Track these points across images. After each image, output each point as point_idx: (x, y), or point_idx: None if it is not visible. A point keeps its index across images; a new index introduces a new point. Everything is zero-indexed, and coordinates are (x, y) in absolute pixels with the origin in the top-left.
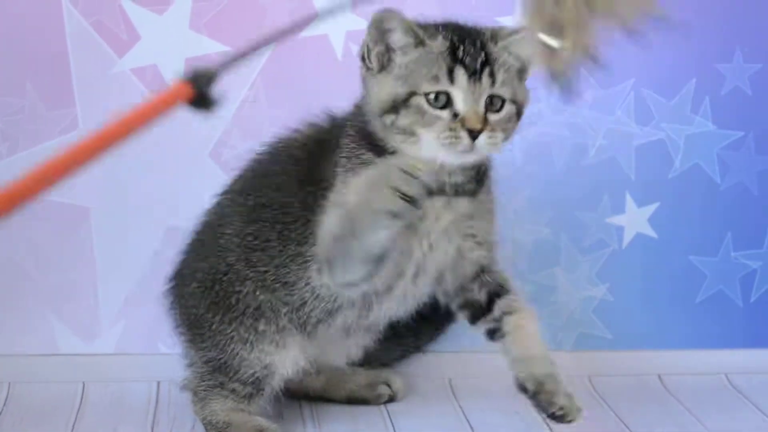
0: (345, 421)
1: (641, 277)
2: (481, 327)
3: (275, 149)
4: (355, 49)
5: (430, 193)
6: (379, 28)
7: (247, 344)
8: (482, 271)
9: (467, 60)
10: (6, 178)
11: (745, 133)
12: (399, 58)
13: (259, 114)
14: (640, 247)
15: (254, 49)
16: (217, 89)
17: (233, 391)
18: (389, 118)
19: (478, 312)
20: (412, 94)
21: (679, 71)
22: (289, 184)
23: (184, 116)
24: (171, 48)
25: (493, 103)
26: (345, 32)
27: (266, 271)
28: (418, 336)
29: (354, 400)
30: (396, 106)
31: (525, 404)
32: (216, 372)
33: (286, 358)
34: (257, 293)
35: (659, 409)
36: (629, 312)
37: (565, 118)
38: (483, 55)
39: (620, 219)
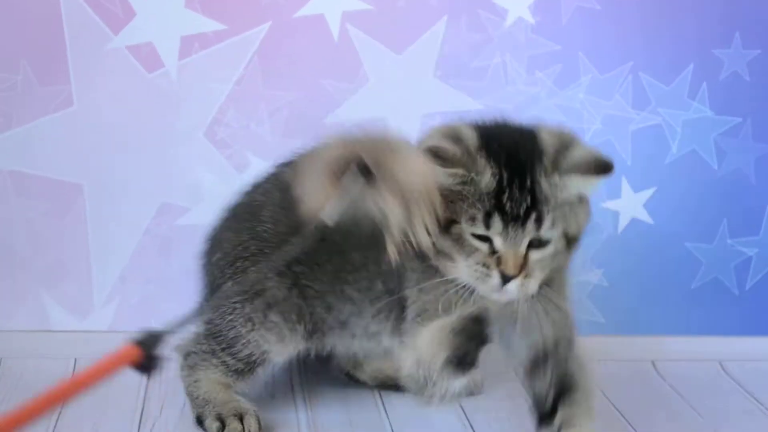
0: (337, 405)
1: (636, 262)
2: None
3: None
4: (352, 30)
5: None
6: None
7: (249, 324)
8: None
9: (508, 207)
10: (0, 154)
11: (743, 119)
12: (445, 183)
13: (254, 93)
14: (636, 233)
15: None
16: (162, 351)
17: (224, 362)
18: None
19: (540, 415)
20: (454, 222)
21: (677, 56)
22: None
23: (179, 95)
24: (167, 25)
25: (540, 241)
26: (341, 12)
27: (302, 278)
28: None
29: (385, 386)
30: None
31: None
32: (211, 337)
33: (284, 351)
34: (285, 289)
35: (652, 395)
36: (623, 297)
37: (561, 101)
38: (529, 199)
39: (616, 204)
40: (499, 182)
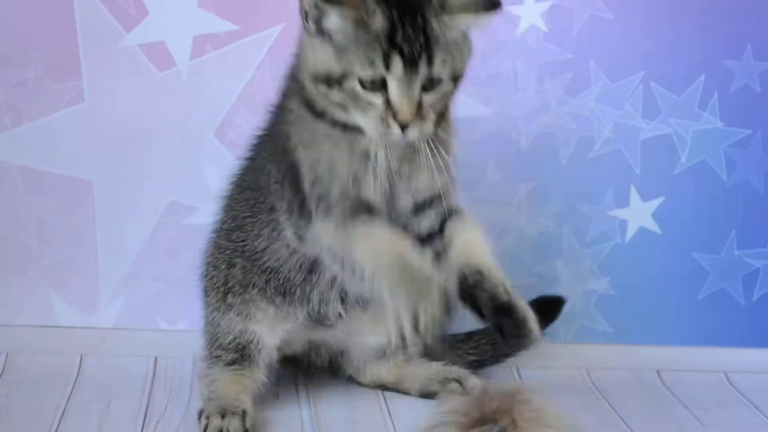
0: (341, 403)
1: (643, 271)
2: (428, 251)
3: (260, 135)
4: None
5: None
6: (313, 6)
7: (216, 312)
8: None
9: (405, 46)
10: (10, 149)
11: (753, 131)
12: (335, 28)
13: (265, 94)
14: (643, 242)
15: None
16: None
17: (218, 357)
18: (322, 89)
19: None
20: (347, 75)
21: (688, 67)
22: (260, 165)
23: (190, 95)
24: (179, 25)
25: (431, 83)
26: None
27: (244, 244)
28: (495, 346)
29: (426, 395)
30: (329, 82)
31: None
32: (209, 336)
33: (263, 329)
34: (231, 266)
35: (656, 405)
36: (630, 306)
37: (571, 109)
38: (423, 37)
39: (624, 213)
40: (391, 21)
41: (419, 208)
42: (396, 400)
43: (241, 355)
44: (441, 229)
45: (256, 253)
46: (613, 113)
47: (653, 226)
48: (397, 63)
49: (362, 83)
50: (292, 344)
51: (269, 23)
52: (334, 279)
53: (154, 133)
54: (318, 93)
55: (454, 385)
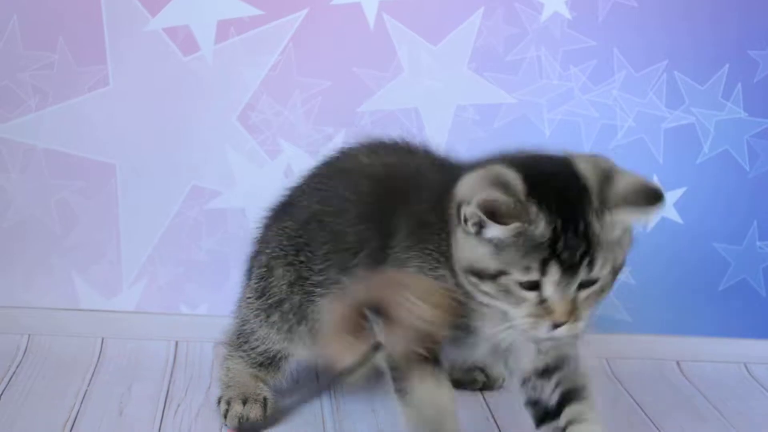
0: (361, 393)
1: (664, 262)
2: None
3: (346, 161)
4: (388, 19)
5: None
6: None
7: (258, 320)
8: (559, 365)
9: (565, 254)
10: (35, 132)
11: None
12: (496, 237)
13: (288, 80)
14: (665, 232)
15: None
16: None
17: (247, 354)
18: (472, 280)
19: (543, 414)
20: (502, 273)
21: (712, 56)
22: (348, 212)
23: (213, 79)
24: (204, 9)
25: (590, 284)
26: (378, 1)
27: (307, 276)
28: None
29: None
30: (482, 276)
31: None
32: (236, 331)
33: (296, 350)
34: (291, 285)
35: (676, 395)
36: (650, 296)
37: (594, 98)
38: (585, 243)
39: None
40: (554, 230)
41: (546, 371)
42: None
43: (270, 362)
44: (559, 409)
45: (318, 288)
46: (636, 102)
47: (675, 216)
48: (554, 270)
49: (518, 283)
50: None
51: (294, 8)
52: None
53: (178, 117)
54: (467, 282)
55: (478, 374)
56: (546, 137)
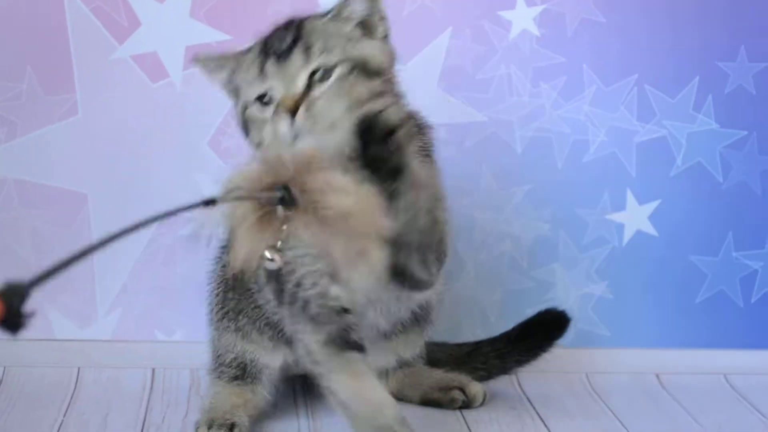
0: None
1: (641, 275)
2: None
3: None
4: None
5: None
6: (206, 75)
7: (218, 331)
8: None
9: (275, 47)
10: (5, 163)
11: (749, 132)
12: (233, 84)
13: None
14: (641, 245)
15: (73, 260)
16: (27, 307)
17: (222, 371)
18: (249, 140)
19: None
20: (245, 107)
21: (682, 69)
22: None
23: (183, 105)
24: (171, 36)
25: (323, 75)
26: None
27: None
28: (504, 359)
29: (428, 402)
30: (245, 127)
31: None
32: (212, 350)
33: (266, 354)
34: (227, 290)
35: (656, 408)
36: (628, 310)
37: (565, 113)
38: (294, 33)
39: (621, 216)
40: (263, 41)
41: None
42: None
43: (243, 372)
44: None
45: (248, 289)
46: (607, 116)
47: (650, 229)
48: (270, 66)
49: (257, 108)
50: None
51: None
52: None
53: (149, 144)
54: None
55: (456, 393)
56: (518, 154)
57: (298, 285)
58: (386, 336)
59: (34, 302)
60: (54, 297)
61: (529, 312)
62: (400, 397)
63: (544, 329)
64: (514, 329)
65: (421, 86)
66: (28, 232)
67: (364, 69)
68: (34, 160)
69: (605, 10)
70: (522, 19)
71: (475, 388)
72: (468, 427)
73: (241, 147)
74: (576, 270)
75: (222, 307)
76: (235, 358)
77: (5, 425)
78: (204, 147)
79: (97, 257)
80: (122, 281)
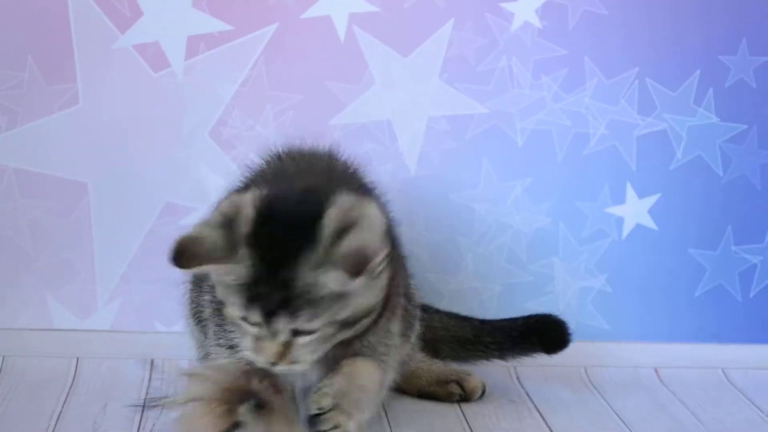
0: None
1: (640, 268)
2: None
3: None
4: (358, 32)
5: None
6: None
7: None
8: None
9: (263, 301)
10: (5, 152)
11: (749, 126)
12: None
13: (260, 94)
14: (640, 239)
15: None
16: None
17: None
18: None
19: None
20: (224, 304)
21: (683, 62)
22: None
23: (185, 95)
24: (173, 25)
25: (303, 331)
26: (348, 14)
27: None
28: (502, 350)
29: (425, 396)
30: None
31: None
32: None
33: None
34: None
35: (654, 402)
36: (627, 303)
37: (566, 106)
38: (283, 294)
39: (620, 209)
40: (256, 274)
41: None
42: (394, 401)
43: None
44: None
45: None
46: (608, 110)
47: (650, 222)
48: (254, 313)
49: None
50: None
51: (264, 23)
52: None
53: (150, 134)
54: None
55: (454, 387)
56: (519, 147)
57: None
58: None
59: (33, 290)
60: (54, 287)
61: (529, 306)
62: (398, 390)
63: (544, 341)
64: (515, 327)
65: (423, 78)
66: (27, 222)
67: (346, 324)
68: (35, 149)
69: (607, 3)
70: (524, 10)
71: (474, 381)
72: (466, 420)
73: (241, 138)
74: (575, 263)
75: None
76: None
77: (4, 414)
78: (205, 137)
79: (97, 247)
80: (122, 271)
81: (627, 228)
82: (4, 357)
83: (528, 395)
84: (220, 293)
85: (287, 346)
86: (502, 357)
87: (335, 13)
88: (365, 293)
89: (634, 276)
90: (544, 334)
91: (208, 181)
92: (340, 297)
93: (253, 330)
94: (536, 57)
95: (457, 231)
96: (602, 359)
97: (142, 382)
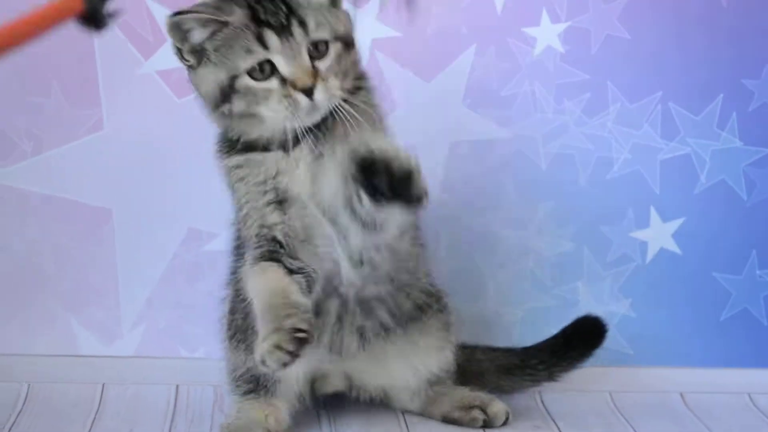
0: (361, 427)
1: (664, 293)
2: None
3: None
4: (381, 57)
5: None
6: (178, 34)
7: (229, 349)
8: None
9: (271, 19)
10: (31, 177)
11: None
12: (209, 46)
13: None
14: (664, 263)
15: None
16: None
17: (238, 386)
18: (225, 108)
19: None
20: (235, 77)
21: (706, 86)
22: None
23: (208, 121)
24: None
25: (318, 49)
26: (370, 39)
27: (237, 290)
28: (550, 369)
29: (448, 421)
30: (225, 95)
31: None
32: (227, 369)
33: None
34: (233, 312)
35: (680, 428)
36: (652, 328)
37: (589, 130)
38: (284, 5)
39: (644, 234)
40: (249, 7)
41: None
42: (418, 425)
43: (256, 385)
44: None
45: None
46: (631, 134)
47: (674, 246)
48: (270, 36)
49: (252, 76)
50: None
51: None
52: (342, 316)
53: (174, 160)
54: (224, 117)
55: (477, 412)
56: (542, 171)
57: (243, 223)
58: (386, 329)
59: (57, 316)
60: (78, 312)
61: (553, 332)
62: (422, 413)
63: (586, 340)
64: (556, 342)
65: (446, 103)
66: (52, 248)
67: (346, 43)
68: (60, 175)
69: (630, 27)
70: (546, 35)
71: (497, 407)
72: None
73: None
74: (599, 288)
75: (229, 327)
76: (246, 371)
77: None
78: None
79: (121, 273)
80: (146, 297)
81: (651, 252)
82: (29, 384)
83: (553, 420)
84: (221, 72)
85: (317, 72)
86: (551, 377)
87: (358, 39)
88: (344, 17)
89: (658, 300)
90: (583, 334)
91: (230, 207)
92: (328, 7)
93: (274, 83)
94: (559, 81)
95: (480, 256)
96: (627, 384)
97: (168, 408)
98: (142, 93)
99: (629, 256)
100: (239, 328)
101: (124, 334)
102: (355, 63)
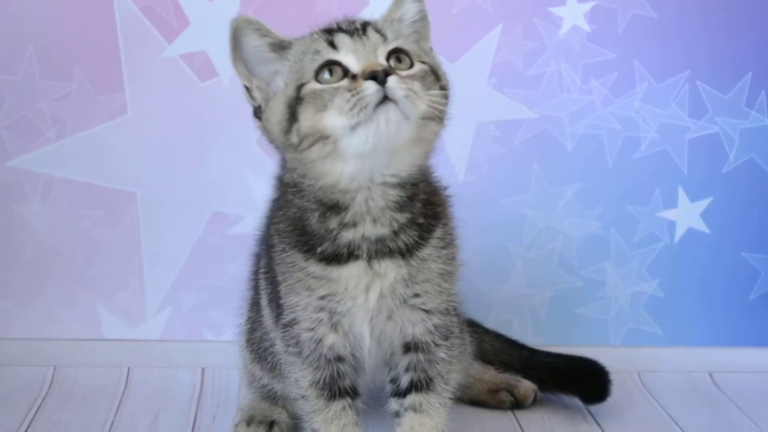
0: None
1: (693, 273)
2: (391, 405)
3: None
4: None
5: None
6: (237, 46)
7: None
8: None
9: (345, 26)
10: (55, 162)
11: None
12: (276, 71)
13: None
14: (692, 243)
15: None
16: None
17: (252, 384)
18: (294, 130)
19: (395, 391)
20: (301, 85)
21: (734, 65)
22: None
23: (232, 104)
24: (220, 34)
25: (401, 60)
26: None
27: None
28: (542, 386)
29: (477, 404)
30: (293, 112)
31: None
32: (244, 369)
33: (278, 384)
34: (253, 331)
35: (709, 407)
36: (680, 308)
37: (616, 110)
38: (362, 22)
39: (672, 213)
40: (325, 28)
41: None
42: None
43: (273, 398)
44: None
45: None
46: (659, 113)
47: (702, 226)
48: (341, 37)
49: (319, 80)
50: None
51: (310, 31)
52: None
53: (197, 143)
54: (296, 149)
55: (504, 395)
56: (568, 151)
57: (294, 322)
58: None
59: (83, 300)
60: (104, 297)
61: (580, 312)
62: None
63: (584, 390)
64: (560, 368)
65: (472, 83)
66: (77, 232)
67: (436, 76)
68: (84, 159)
69: (657, 6)
70: (572, 15)
71: (524, 388)
72: (520, 426)
73: None
74: (627, 268)
75: (248, 339)
76: (264, 385)
77: (57, 423)
78: (253, 146)
79: (146, 257)
80: (171, 281)
81: (679, 232)
82: (55, 367)
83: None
84: (288, 88)
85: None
86: (540, 390)
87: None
88: (435, 59)
89: (686, 280)
90: (585, 383)
91: (256, 190)
92: (417, 38)
93: (343, 82)
94: (585, 61)
95: (507, 237)
96: (656, 364)
97: (194, 391)
98: (165, 77)
99: (657, 236)
100: (256, 353)
101: (149, 318)
102: (444, 98)
